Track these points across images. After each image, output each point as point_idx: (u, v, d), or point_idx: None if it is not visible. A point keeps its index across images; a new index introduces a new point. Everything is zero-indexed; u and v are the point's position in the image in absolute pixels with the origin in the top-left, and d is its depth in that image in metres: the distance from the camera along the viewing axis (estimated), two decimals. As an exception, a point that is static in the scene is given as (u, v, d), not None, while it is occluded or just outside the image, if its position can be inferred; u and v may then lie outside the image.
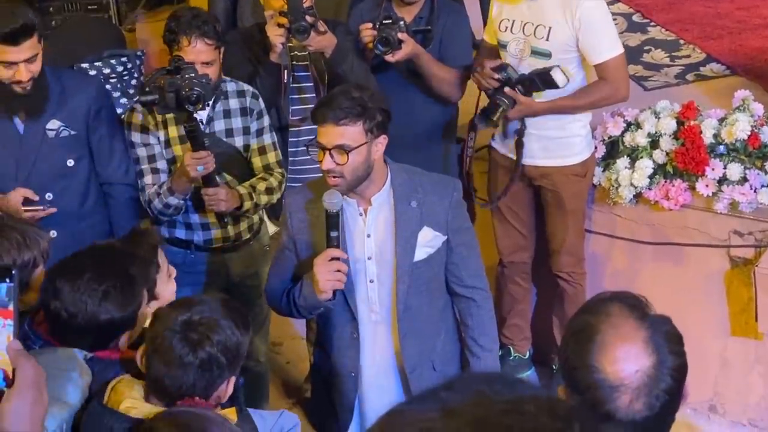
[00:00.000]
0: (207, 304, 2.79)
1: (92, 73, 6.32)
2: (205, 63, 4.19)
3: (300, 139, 4.73)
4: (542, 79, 4.41)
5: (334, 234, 3.49)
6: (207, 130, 4.30)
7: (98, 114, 4.37)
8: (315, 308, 3.64)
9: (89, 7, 7.57)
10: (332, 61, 4.60)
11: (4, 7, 4.19)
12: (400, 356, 3.76)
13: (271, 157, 4.46)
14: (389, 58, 4.58)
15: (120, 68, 6.33)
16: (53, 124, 4.26)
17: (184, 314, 2.71)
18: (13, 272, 1.71)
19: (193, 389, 2.69)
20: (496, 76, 4.47)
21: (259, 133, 4.43)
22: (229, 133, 4.38)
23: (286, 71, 4.64)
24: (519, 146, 4.61)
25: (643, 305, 2.17)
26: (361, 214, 3.65)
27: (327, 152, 3.47)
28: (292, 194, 3.85)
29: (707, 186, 4.64)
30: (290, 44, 4.60)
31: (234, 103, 4.38)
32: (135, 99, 4.63)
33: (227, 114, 4.37)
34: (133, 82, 6.37)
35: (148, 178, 4.35)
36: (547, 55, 4.47)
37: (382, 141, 3.55)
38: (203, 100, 4.03)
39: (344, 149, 3.45)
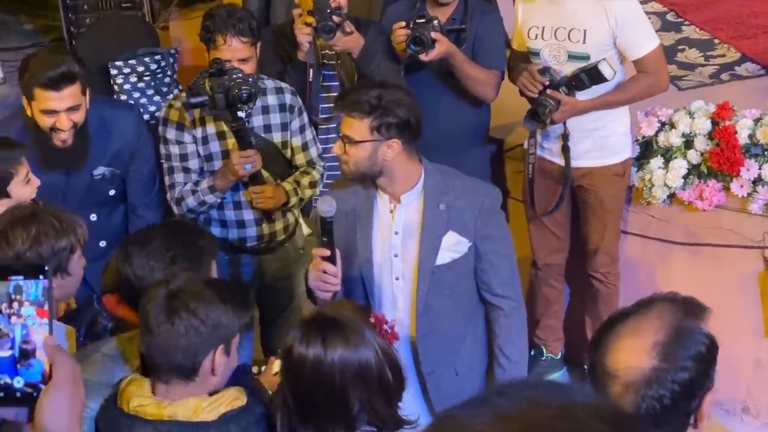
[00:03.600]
0: (193, 280, 2.88)
1: (126, 71, 6.35)
2: (241, 60, 4.21)
3: (328, 136, 4.75)
4: (589, 76, 4.41)
5: (324, 239, 3.53)
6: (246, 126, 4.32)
7: (138, 151, 4.45)
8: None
9: (123, 5, 7.62)
10: (359, 62, 4.62)
11: (48, 55, 4.23)
12: (418, 356, 3.76)
13: (314, 152, 4.52)
14: (422, 57, 4.56)
15: (154, 66, 6.36)
16: (99, 170, 4.35)
17: (166, 287, 2.78)
18: (47, 269, 1.73)
19: (180, 359, 2.73)
20: (541, 78, 4.46)
21: (302, 129, 4.48)
22: (267, 129, 4.40)
23: (312, 70, 4.66)
24: (565, 151, 4.58)
25: (694, 314, 2.16)
26: (390, 211, 3.67)
27: (340, 138, 3.58)
28: (328, 191, 3.90)
29: (742, 187, 4.62)
30: (319, 43, 4.62)
31: (272, 100, 4.39)
32: (173, 97, 4.67)
33: (265, 110, 4.38)
34: (167, 79, 6.40)
35: (179, 176, 4.37)
36: (586, 58, 4.47)
37: (394, 145, 3.53)
38: (255, 97, 4.09)
39: (347, 139, 3.52)
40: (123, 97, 6.40)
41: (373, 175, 3.58)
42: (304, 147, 4.49)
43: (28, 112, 4.11)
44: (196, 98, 4.08)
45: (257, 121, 4.38)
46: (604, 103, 4.54)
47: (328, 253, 3.52)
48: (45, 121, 4.06)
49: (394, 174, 3.59)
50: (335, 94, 4.72)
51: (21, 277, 1.70)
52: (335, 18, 4.48)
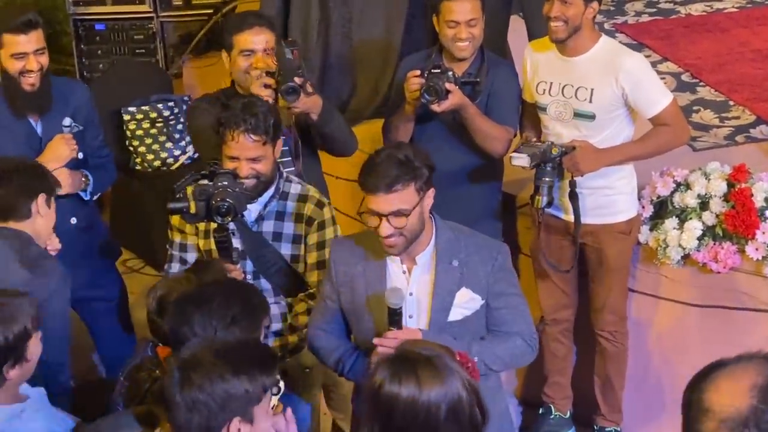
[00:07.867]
0: (209, 343, 2.79)
1: (139, 116, 6.35)
2: (251, 159, 3.91)
3: None
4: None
5: (391, 329, 3.50)
6: (255, 228, 4.05)
7: (91, 111, 4.75)
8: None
9: (137, 51, 7.66)
10: (319, 123, 4.45)
11: (10, 7, 4.63)
12: None
13: None
14: (435, 107, 4.51)
15: (166, 113, 6.36)
16: (67, 121, 4.57)
17: (184, 354, 2.74)
18: None
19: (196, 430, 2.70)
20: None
21: (320, 246, 4.09)
22: (277, 237, 4.08)
23: None
24: (573, 199, 4.51)
25: None
26: (404, 272, 3.64)
27: (383, 219, 3.45)
28: (336, 246, 3.81)
29: (757, 249, 4.59)
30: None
31: (291, 207, 4.07)
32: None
33: (280, 216, 4.07)
34: (179, 126, 6.40)
35: (175, 266, 4.15)
36: (591, 117, 4.47)
37: (431, 194, 3.54)
38: (234, 212, 3.79)
39: (402, 214, 3.44)
40: (135, 143, 6.41)
41: (419, 234, 3.54)
42: (320, 266, 4.07)
43: None
44: (175, 204, 3.87)
45: (268, 226, 4.07)
46: (623, 153, 4.51)
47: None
48: (15, 66, 4.40)
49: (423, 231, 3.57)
50: (285, 152, 4.46)
51: None
52: (297, 79, 4.26)
